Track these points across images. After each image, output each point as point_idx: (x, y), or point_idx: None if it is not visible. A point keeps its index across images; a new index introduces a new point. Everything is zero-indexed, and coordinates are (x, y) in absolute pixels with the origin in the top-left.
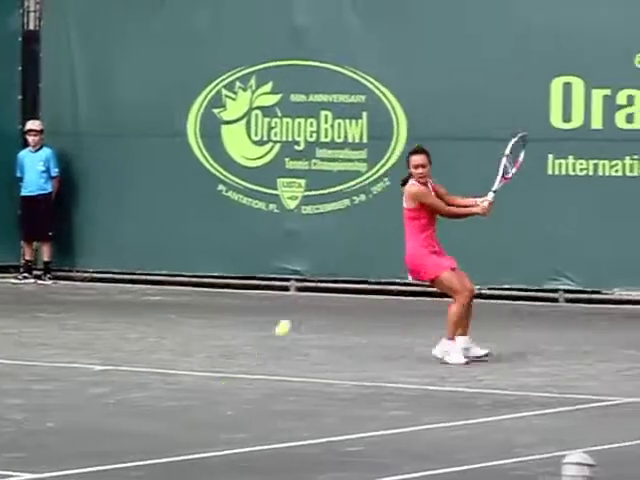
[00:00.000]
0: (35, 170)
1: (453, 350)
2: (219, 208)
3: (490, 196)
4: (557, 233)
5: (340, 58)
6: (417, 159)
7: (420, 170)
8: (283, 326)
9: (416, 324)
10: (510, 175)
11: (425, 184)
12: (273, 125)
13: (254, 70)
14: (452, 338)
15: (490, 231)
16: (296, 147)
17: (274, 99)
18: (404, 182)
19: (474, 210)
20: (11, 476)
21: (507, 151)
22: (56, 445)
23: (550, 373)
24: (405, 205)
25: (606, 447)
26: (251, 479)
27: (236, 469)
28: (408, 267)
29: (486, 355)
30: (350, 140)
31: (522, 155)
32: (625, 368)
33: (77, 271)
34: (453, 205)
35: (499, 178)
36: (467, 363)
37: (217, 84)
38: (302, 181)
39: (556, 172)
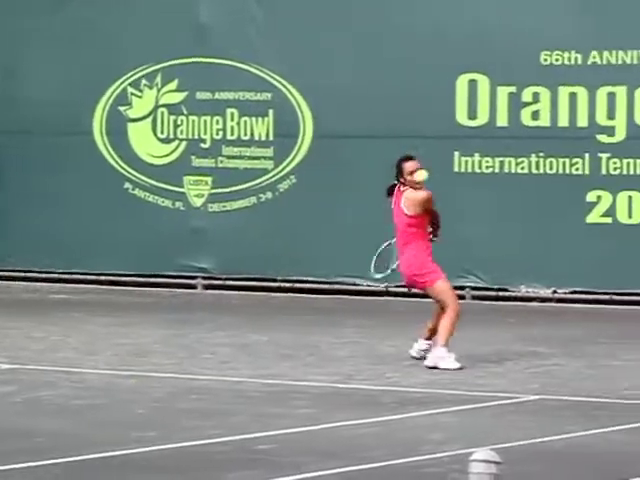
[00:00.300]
0: None
1: (446, 356)
2: (126, 206)
3: None
4: (464, 231)
5: (245, 55)
6: (412, 165)
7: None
8: (421, 174)
9: (323, 322)
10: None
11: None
12: (179, 123)
13: (160, 68)
14: (445, 344)
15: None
16: (202, 145)
17: (180, 97)
18: (390, 191)
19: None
20: None
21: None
22: None
23: (457, 370)
24: (407, 212)
25: (513, 444)
26: (162, 477)
27: (147, 467)
28: (407, 274)
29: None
30: (256, 138)
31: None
32: (532, 365)
33: None
34: None
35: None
36: (461, 368)
37: (123, 82)
38: (208, 179)
39: (462, 170)
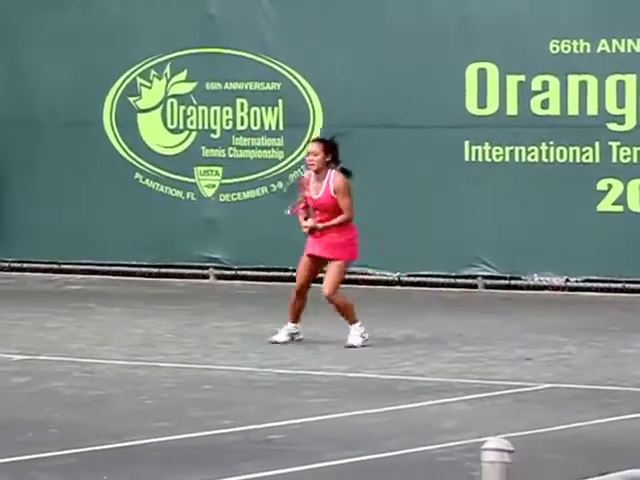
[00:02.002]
0: None
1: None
2: (137, 197)
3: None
4: (475, 220)
5: (255, 46)
6: (312, 147)
7: (310, 157)
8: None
9: (333, 311)
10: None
11: (316, 172)
12: (189, 113)
13: (169, 58)
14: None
15: (409, 217)
16: (212, 135)
17: (189, 87)
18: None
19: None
20: None
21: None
22: None
23: (469, 359)
24: (334, 195)
25: (526, 433)
26: (172, 468)
27: (160, 457)
28: (330, 244)
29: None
30: (266, 128)
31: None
32: (545, 354)
33: None
34: None
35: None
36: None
37: (132, 72)
38: (219, 169)
39: (473, 159)
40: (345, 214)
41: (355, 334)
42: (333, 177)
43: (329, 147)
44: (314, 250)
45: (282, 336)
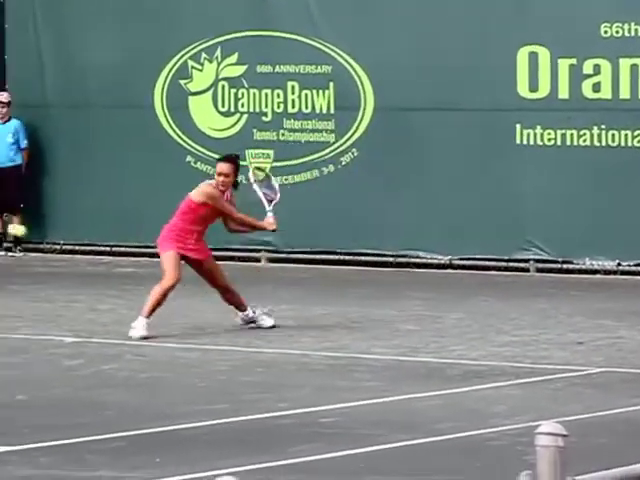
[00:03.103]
0: (4, 142)
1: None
2: (188, 179)
3: (269, 215)
4: (527, 203)
5: (306, 28)
6: (222, 167)
7: (222, 178)
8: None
9: (387, 295)
10: (275, 200)
11: (223, 192)
12: (240, 96)
13: (220, 41)
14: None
15: (460, 201)
16: (263, 118)
17: (240, 70)
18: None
19: (260, 223)
20: None
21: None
22: (29, 418)
23: (521, 343)
24: (193, 197)
25: (579, 417)
26: (225, 451)
27: (210, 440)
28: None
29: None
30: (317, 111)
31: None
32: (596, 338)
33: (47, 243)
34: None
35: (266, 203)
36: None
37: (183, 55)
38: (270, 152)
39: (524, 142)
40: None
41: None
42: (230, 197)
43: (237, 168)
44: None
45: (144, 331)
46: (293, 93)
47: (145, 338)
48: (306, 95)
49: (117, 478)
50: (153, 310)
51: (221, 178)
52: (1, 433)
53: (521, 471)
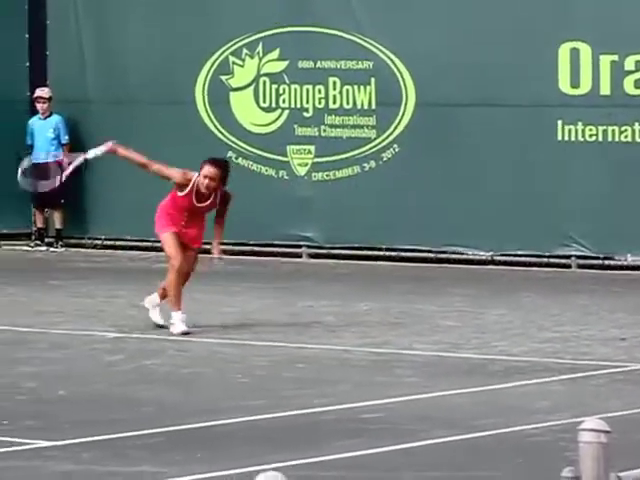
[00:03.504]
0: (45, 137)
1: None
2: (230, 175)
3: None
4: (568, 199)
5: (347, 24)
6: (211, 172)
7: (208, 182)
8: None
9: (428, 290)
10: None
11: (204, 195)
12: (281, 92)
13: (261, 37)
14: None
15: (501, 197)
16: (305, 114)
17: (281, 66)
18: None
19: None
20: (27, 443)
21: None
22: (70, 413)
23: (563, 339)
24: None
25: (622, 413)
26: (267, 446)
27: (252, 436)
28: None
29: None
30: (359, 107)
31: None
32: (638, 334)
33: (89, 238)
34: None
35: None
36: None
37: (224, 51)
38: (312, 148)
39: (565, 138)
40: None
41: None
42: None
43: (226, 176)
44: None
45: (183, 326)
46: (334, 89)
47: (186, 333)
48: (347, 91)
49: (158, 473)
50: (179, 299)
51: (206, 181)
52: (43, 428)
53: (564, 467)
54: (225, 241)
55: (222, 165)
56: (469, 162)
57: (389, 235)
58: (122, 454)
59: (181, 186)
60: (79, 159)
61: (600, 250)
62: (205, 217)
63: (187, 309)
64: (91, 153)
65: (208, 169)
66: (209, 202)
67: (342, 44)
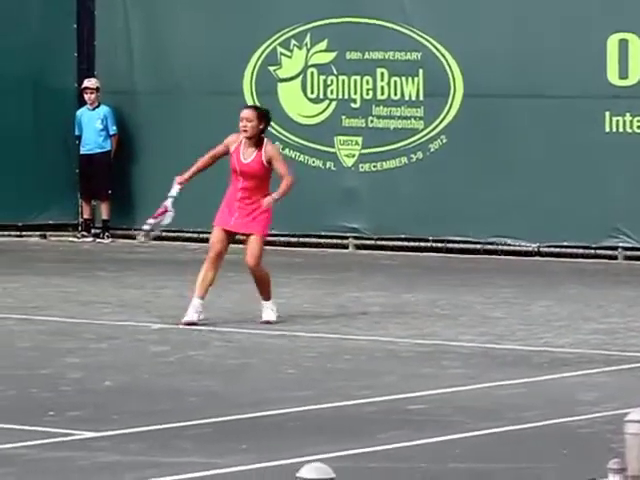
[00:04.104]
0: (93, 128)
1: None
2: None
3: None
4: (615, 191)
5: (395, 15)
6: (244, 112)
7: (244, 122)
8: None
9: (475, 282)
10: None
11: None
12: (329, 83)
13: (309, 28)
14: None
15: (549, 189)
16: (352, 105)
17: (330, 57)
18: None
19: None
20: (73, 434)
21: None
22: (117, 404)
23: (609, 331)
24: (267, 164)
25: None
26: (312, 438)
27: (297, 428)
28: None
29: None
30: (406, 98)
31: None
32: None
33: (135, 229)
34: None
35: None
36: None
37: (272, 42)
38: (359, 139)
39: (613, 129)
40: (286, 179)
41: (269, 309)
42: (266, 145)
43: (263, 115)
44: (233, 227)
45: (194, 315)
46: (382, 80)
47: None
48: (395, 82)
49: (206, 464)
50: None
51: (243, 122)
52: (88, 419)
53: (609, 459)
54: (273, 232)
55: (256, 106)
56: (516, 153)
57: (436, 226)
58: (168, 445)
59: (230, 145)
60: (167, 211)
61: None
62: (259, 192)
63: (235, 299)
64: (170, 199)
65: (242, 112)
66: (253, 159)
67: (390, 35)
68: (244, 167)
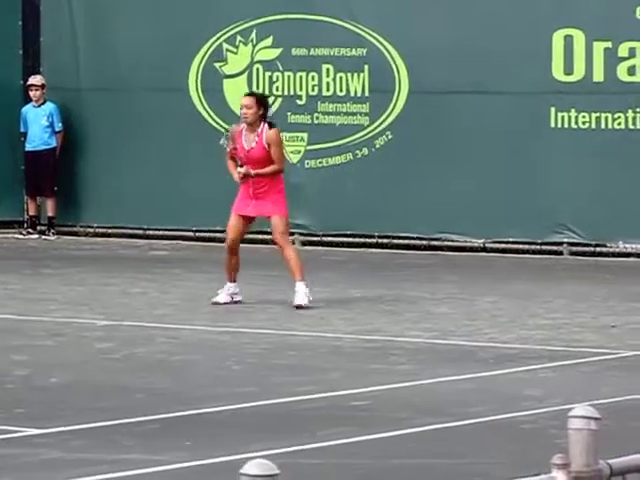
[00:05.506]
0: (39, 125)
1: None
2: (222, 162)
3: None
4: (561, 186)
5: (340, 11)
6: (243, 100)
7: (244, 110)
8: None
9: (420, 278)
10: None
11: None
12: (275, 79)
13: (255, 24)
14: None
15: (494, 184)
16: (298, 101)
17: (275, 53)
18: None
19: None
20: (18, 431)
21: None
22: (62, 401)
23: (554, 326)
24: (267, 147)
25: (612, 400)
26: (256, 434)
27: (242, 424)
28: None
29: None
30: (352, 94)
31: None
32: (630, 321)
33: (81, 226)
34: None
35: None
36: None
37: (218, 38)
38: (305, 135)
39: (559, 125)
40: (277, 164)
41: (302, 293)
42: (266, 130)
43: (262, 101)
44: (251, 212)
45: (223, 297)
46: (328, 76)
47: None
48: (341, 78)
49: (148, 461)
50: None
51: (243, 110)
52: (33, 416)
53: (554, 454)
54: (210, 228)
55: (254, 93)
56: (462, 149)
57: (382, 222)
58: (112, 442)
59: (235, 136)
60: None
61: (592, 237)
62: (270, 169)
63: (180, 295)
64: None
65: (241, 100)
66: (256, 144)
67: (335, 31)
68: (248, 153)
